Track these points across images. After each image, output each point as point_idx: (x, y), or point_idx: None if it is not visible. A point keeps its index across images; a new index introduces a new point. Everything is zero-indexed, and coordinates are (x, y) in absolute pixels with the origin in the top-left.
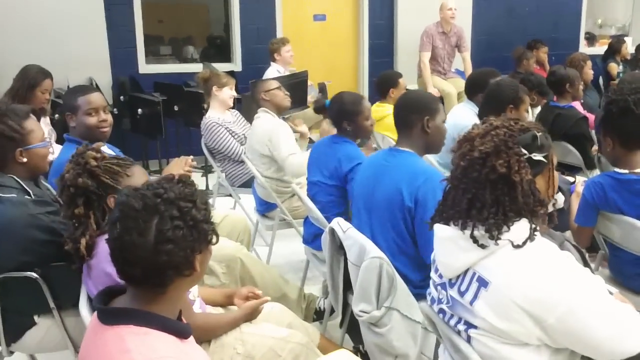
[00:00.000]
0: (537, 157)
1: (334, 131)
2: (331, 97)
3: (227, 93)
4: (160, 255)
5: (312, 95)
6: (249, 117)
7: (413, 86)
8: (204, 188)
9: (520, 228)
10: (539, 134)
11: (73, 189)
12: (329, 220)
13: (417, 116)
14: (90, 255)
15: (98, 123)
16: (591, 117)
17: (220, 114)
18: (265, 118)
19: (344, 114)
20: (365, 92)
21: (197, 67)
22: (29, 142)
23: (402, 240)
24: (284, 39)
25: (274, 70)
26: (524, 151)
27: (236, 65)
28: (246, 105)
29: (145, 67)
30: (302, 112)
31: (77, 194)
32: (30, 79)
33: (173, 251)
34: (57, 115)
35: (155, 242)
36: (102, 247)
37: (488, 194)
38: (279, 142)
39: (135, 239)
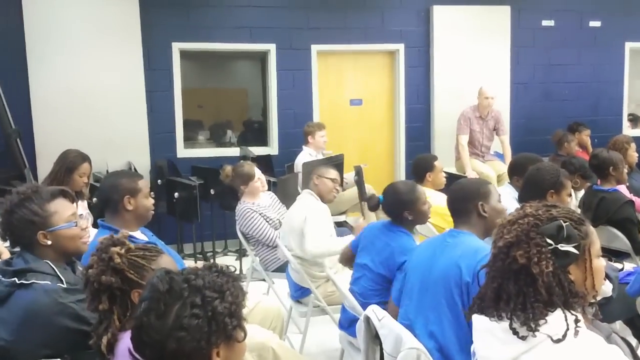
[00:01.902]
0: (565, 247)
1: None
2: (382, 189)
3: (254, 186)
4: (171, 342)
5: (345, 179)
6: (286, 199)
7: (450, 169)
8: (237, 271)
9: (557, 320)
10: (565, 224)
11: (97, 285)
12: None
13: (470, 203)
14: (112, 352)
15: (152, 205)
16: (638, 201)
17: (254, 199)
18: (308, 199)
19: (403, 205)
20: (402, 175)
21: (234, 151)
22: (51, 224)
23: (455, 319)
24: (320, 124)
25: (305, 154)
26: (549, 241)
27: (272, 148)
28: (282, 188)
29: (183, 151)
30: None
31: (100, 290)
32: (68, 163)
33: (184, 339)
34: (94, 199)
35: (170, 328)
36: (123, 347)
37: (512, 285)
38: (312, 223)
39: (152, 320)
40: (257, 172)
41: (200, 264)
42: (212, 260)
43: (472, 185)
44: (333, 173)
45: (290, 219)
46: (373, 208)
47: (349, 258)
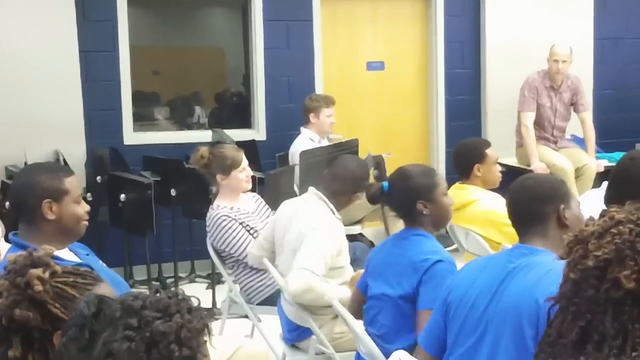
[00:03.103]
0: None
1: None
2: (391, 175)
3: (238, 178)
4: None
5: None
6: (276, 203)
7: (509, 160)
8: (209, 306)
9: None
10: None
11: (7, 322)
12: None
13: (550, 206)
14: None
15: (84, 214)
16: None
17: (232, 203)
18: (316, 204)
19: (415, 192)
20: (441, 168)
21: (204, 136)
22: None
23: None
24: (328, 98)
25: (305, 139)
26: None
27: (258, 132)
28: (272, 187)
29: (132, 136)
30: None
31: (12, 329)
32: None
33: None
34: (8, 204)
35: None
36: None
37: (609, 321)
38: (315, 242)
39: (74, 354)
40: (244, 159)
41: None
42: (173, 289)
43: (548, 182)
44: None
45: (287, 229)
46: (373, 199)
47: (360, 304)
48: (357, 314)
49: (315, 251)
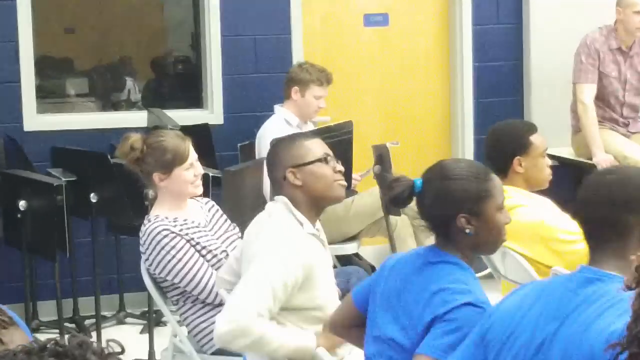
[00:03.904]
0: None
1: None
2: (427, 170)
3: (183, 177)
4: None
5: (359, 175)
6: (238, 212)
7: (562, 150)
8: (144, 357)
9: None
10: None
11: None
12: None
13: (634, 216)
14: None
15: None
16: None
17: (176, 212)
18: (280, 217)
19: (458, 200)
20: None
21: (136, 118)
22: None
23: None
24: (326, 74)
25: (279, 121)
26: None
27: (213, 113)
28: (232, 189)
29: (35, 120)
30: (344, 201)
31: None
32: None
33: None
34: None
35: None
36: None
37: None
38: (255, 270)
39: None
40: (192, 153)
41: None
42: (94, 335)
43: (636, 179)
44: (315, 144)
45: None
46: (397, 201)
47: (349, 322)
48: (346, 336)
49: (259, 280)
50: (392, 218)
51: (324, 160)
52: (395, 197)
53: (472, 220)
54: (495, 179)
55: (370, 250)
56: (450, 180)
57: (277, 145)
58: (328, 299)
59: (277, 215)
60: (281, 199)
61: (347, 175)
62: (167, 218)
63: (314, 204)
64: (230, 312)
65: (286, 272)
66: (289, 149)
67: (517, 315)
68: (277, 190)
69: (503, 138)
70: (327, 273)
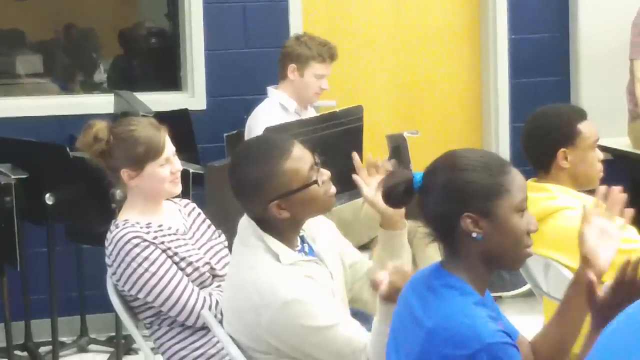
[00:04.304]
0: None
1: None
2: (432, 163)
3: (157, 175)
4: None
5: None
6: (225, 217)
7: (618, 142)
8: None
9: None
10: None
11: None
12: None
13: None
14: None
15: None
16: None
17: (149, 216)
18: (253, 249)
19: (467, 199)
20: (504, 153)
21: (102, 102)
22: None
23: None
24: (329, 47)
25: (273, 106)
26: None
27: (194, 96)
28: (217, 189)
29: None
30: (352, 203)
31: None
32: None
33: None
34: None
35: None
36: None
37: None
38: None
39: None
40: (168, 146)
41: None
42: None
43: None
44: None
45: (240, 274)
46: (391, 198)
47: None
48: None
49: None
50: (411, 224)
51: (314, 182)
52: (387, 191)
53: (480, 221)
54: (516, 174)
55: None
56: (457, 171)
57: (245, 169)
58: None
59: (254, 255)
60: (260, 236)
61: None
62: (138, 223)
63: (298, 226)
64: None
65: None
66: (264, 174)
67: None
68: (251, 217)
69: (545, 126)
70: (335, 290)
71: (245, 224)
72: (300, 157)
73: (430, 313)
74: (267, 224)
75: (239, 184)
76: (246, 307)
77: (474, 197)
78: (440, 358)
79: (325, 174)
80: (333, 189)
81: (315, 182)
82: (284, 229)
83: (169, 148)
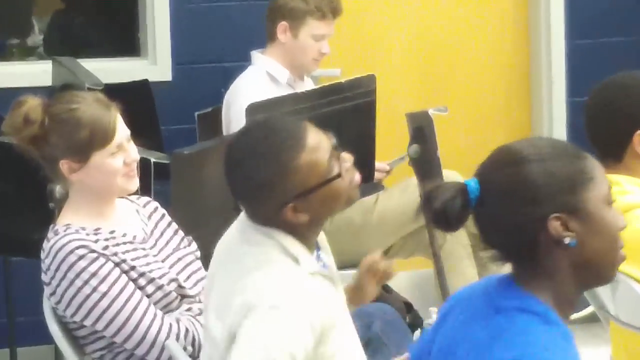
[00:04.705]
0: None
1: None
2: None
3: (107, 167)
4: None
5: (389, 163)
6: (196, 220)
7: None
8: None
9: None
10: None
11: None
12: None
13: None
14: None
15: None
16: None
17: (97, 220)
18: (261, 247)
19: (540, 196)
20: (560, 137)
21: (36, 74)
22: None
23: None
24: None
25: (258, 76)
26: None
27: (156, 63)
28: (183, 183)
29: None
30: (361, 202)
31: None
32: None
33: None
34: None
35: None
36: None
37: None
38: (256, 339)
39: None
40: (121, 129)
41: None
42: None
43: None
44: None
45: (211, 286)
46: (445, 224)
47: None
48: None
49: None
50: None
51: (337, 175)
52: (441, 212)
53: (569, 222)
54: (592, 158)
55: (405, 277)
56: (525, 164)
57: (249, 168)
58: (348, 343)
59: (258, 243)
60: (269, 234)
61: (368, 161)
62: (84, 229)
63: (319, 227)
64: None
65: (302, 334)
66: (275, 173)
67: None
68: (260, 222)
69: (617, 101)
70: (345, 323)
71: (246, 218)
72: (317, 146)
73: (501, 342)
74: (279, 226)
75: (242, 186)
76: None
77: (557, 193)
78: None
79: (348, 158)
80: (358, 177)
81: (339, 175)
82: (301, 233)
83: (122, 132)
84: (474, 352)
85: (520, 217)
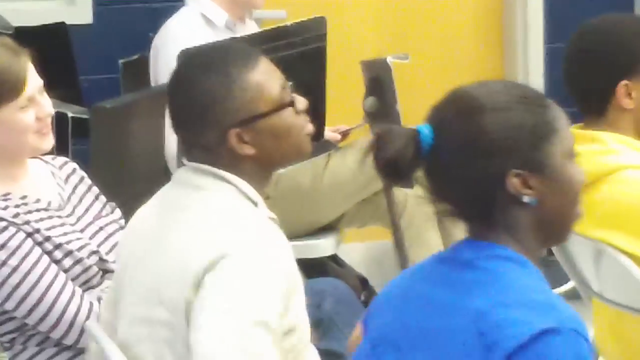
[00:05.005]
0: None
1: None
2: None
3: (16, 123)
4: None
5: (347, 128)
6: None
7: None
8: None
9: None
10: None
11: None
12: None
13: None
14: None
15: None
16: None
17: (5, 184)
18: (221, 193)
19: (500, 148)
20: (538, 85)
21: None
22: None
23: None
24: None
25: (192, 18)
26: None
27: (73, 3)
28: (105, 142)
29: None
30: (311, 163)
31: None
32: None
33: None
34: None
35: None
36: None
37: None
38: (231, 291)
39: None
40: (33, 79)
41: None
42: None
43: None
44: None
45: (142, 257)
46: (394, 175)
47: None
48: None
49: (239, 323)
50: (399, 192)
51: (289, 103)
52: (389, 162)
53: (530, 179)
54: (556, 106)
55: (360, 250)
56: (483, 113)
57: (193, 82)
58: (299, 317)
59: (215, 189)
60: (222, 176)
61: (318, 116)
62: None
63: (267, 171)
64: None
65: (276, 281)
66: (222, 87)
67: None
68: (197, 155)
69: (599, 48)
70: (302, 291)
71: (186, 165)
72: (269, 72)
73: (475, 292)
74: (225, 166)
75: (185, 103)
76: (182, 270)
77: (517, 147)
78: (503, 335)
79: (302, 102)
80: (310, 127)
81: (291, 103)
82: (248, 175)
83: (34, 82)
84: (441, 316)
85: (476, 171)
